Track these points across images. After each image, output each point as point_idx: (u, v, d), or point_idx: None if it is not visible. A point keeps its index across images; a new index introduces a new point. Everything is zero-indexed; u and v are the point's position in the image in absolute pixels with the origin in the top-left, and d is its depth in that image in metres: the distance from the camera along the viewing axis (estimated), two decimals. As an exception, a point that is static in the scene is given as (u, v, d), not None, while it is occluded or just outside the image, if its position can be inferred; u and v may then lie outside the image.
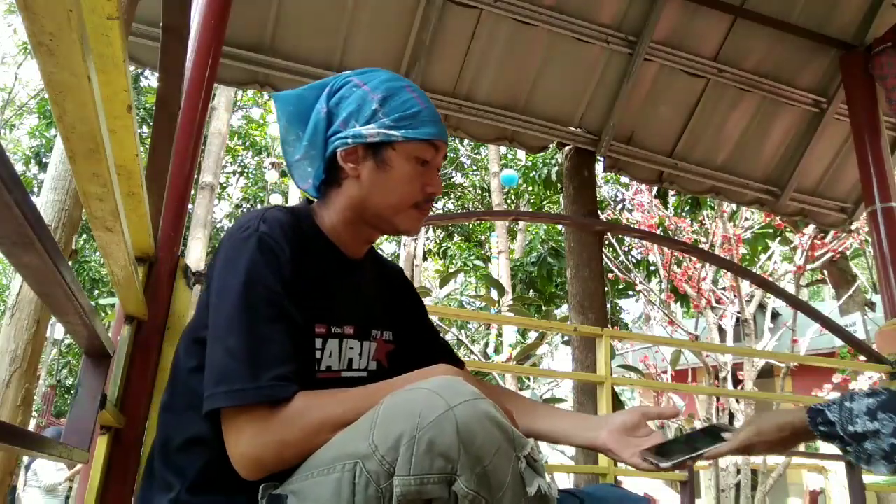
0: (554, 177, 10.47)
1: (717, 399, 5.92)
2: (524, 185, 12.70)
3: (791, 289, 6.21)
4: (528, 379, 9.40)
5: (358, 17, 3.01)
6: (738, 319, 6.27)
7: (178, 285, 1.50)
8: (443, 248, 14.20)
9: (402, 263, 12.83)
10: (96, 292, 14.70)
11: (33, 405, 3.17)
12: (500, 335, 10.29)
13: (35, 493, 7.03)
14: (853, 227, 5.10)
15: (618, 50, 3.31)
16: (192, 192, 1.90)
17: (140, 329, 1.42)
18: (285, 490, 0.83)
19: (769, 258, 7.14)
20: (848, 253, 8.60)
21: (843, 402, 1.01)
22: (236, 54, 2.89)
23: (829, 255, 6.68)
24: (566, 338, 7.49)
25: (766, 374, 8.45)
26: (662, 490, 6.95)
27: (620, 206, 10.84)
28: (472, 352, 7.53)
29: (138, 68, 3.15)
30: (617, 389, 8.16)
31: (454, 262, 13.16)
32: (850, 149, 3.45)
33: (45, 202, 2.90)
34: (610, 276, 7.67)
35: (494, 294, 6.64)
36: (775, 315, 7.97)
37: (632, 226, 7.75)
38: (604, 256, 5.15)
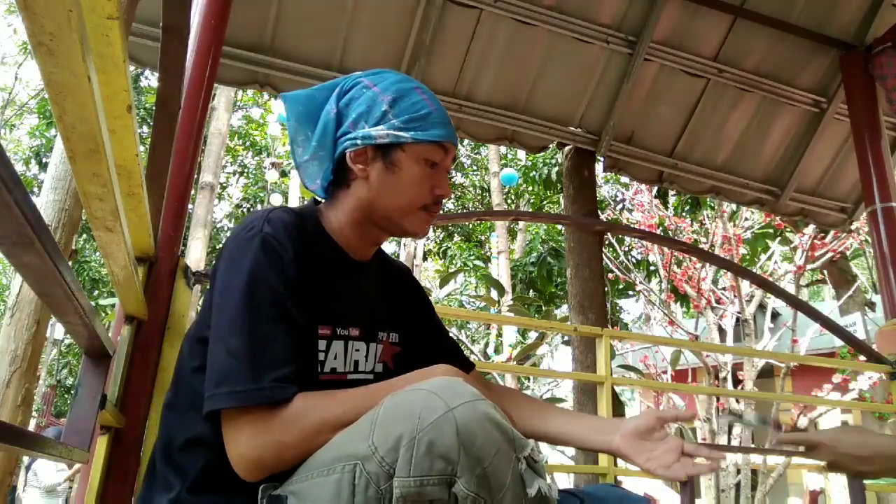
0: (554, 177, 10.47)
1: (717, 399, 5.92)
2: (524, 185, 12.70)
3: (791, 289, 6.21)
4: (528, 379, 9.40)
5: (358, 17, 3.01)
6: (738, 319, 6.27)
7: (178, 285, 1.50)
8: (443, 248, 14.20)
9: (402, 263, 12.82)
10: (96, 292, 14.70)
11: (33, 405, 3.17)
12: (500, 335, 10.29)
13: (35, 493, 7.03)
14: (853, 227, 5.10)
15: (618, 50, 3.31)
16: (192, 192, 1.90)
17: (140, 329, 1.42)
18: (285, 490, 0.83)
19: (769, 258, 7.14)
20: (848, 253, 8.60)
21: None
22: (236, 54, 2.89)
23: (829, 255, 6.68)
24: (566, 338, 7.49)
25: (766, 374, 8.45)
26: (662, 490, 6.95)
27: (620, 206, 10.84)
28: (472, 352, 7.53)
29: (138, 68, 3.15)
30: (617, 389, 8.16)
31: (454, 262, 13.16)
32: (850, 149, 3.45)
33: (45, 202, 2.90)
34: (610, 276, 7.67)
35: (494, 294, 6.64)
36: (775, 315, 7.97)
37: (632, 226, 7.75)
38: (604, 256, 5.15)
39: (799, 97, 3.53)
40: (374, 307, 1.09)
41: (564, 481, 6.36)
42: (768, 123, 3.61)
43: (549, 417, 1.13)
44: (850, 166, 3.61)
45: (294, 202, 11.93)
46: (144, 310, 1.41)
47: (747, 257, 7.20)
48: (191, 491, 0.91)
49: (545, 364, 8.08)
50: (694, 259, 6.58)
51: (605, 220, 8.53)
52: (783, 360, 6.55)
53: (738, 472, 5.54)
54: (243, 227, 0.95)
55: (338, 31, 3.02)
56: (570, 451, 6.51)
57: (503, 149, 11.82)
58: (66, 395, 16.17)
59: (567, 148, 3.67)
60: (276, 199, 14.69)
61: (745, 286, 6.09)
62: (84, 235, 13.55)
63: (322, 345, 0.98)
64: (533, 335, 7.48)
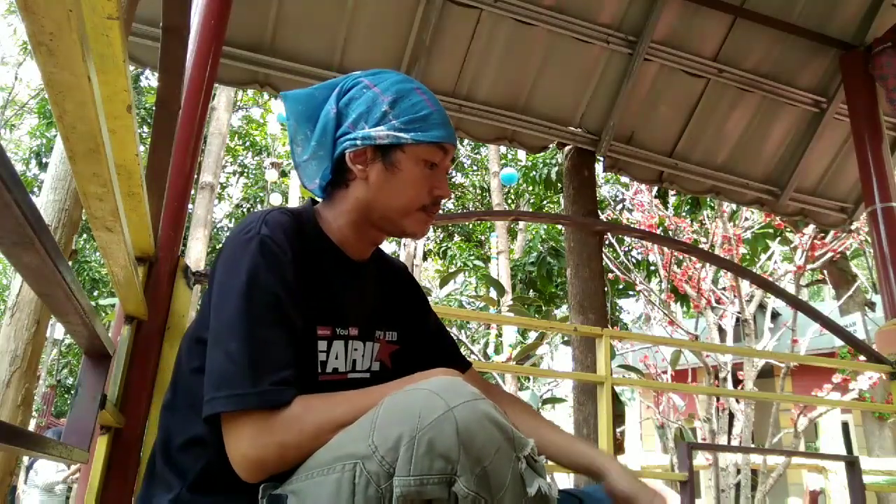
0: (554, 177, 10.48)
1: (717, 399, 5.92)
2: (524, 185, 12.71)
3: (791, 289, 6.21)
4: (528, 379, 9.40)
5: (358, 17, 3.01)
6: (738, 319, 6.26)
7: (178, 285, 1.50)
8: (443, 248, 14.21)
9: (402, 263, 12.82)
10: (96, 292, 14.71)
11: (33, 405, 3.17)
12: (500, 335, 10.29)
13: (35, 492, 7.03)
14: (853, 227, 5.10)
15: (618, 50, 3.31)
16: (192, 192, 1.90)
17: (140, 329, 1.42)
18: (285, 490, 0.83)
19: (769, 258, 7.13)
20: (848, 253, 8.60)
21: None
22: (236, 54, 2.89)
23: (829, 255, 6.68)
24: (566, 338, 7.49)
25: (766, 374, 8.45)
26: (662, 490, 6.94)
27: (620, 206, 10.85)
28: (472, 352, 7.53)
29: (138, 68, 3.16)
30: (617, 389, 8.16)
31: (454, 262, 13.16)
32: (850, 149, 3.45)
33: (45, 202, 2.90)
34: (610, 276, 7.67)
35: (494, 294, 6.64)
36: (775, 315, 7.97)
37: (632, 226, 7.75)
38: (604, 256, 5.15)
39: (799, 97, 3.53)
40: (373, 306, 1.09)
41: (564, 481, 6.35)
42: (768, 123, 3.61)
43: (537, 428, 1.12)
44: (850, 166, 3.61)
45: (294, 202, 11.94)
46: (144, 310, 1.41)
47: (747, 257, 7.19)
48: (191, 490, 0.91)
49: (545, 364, 8.08)
50: (694, 259, 6.58)
51: (605, 220, 8.53)
52: (783, 360, 6.55)
53: (738, 472, 5.54)
54: (241, 229, 0.95)
55: (338, 31, 3.02)
56: (570, 451, 6.50)
57: (503, 149, 11.83)
58: (66, 395, 16.17)
59: (567, 148, 3.67)
60: (275, 199, 14.69)
61: (745, 286, 6.08)
62: (84, 235, 13.55)
63: (322, 345, 0.98)
64: (533, 335, 7.48)
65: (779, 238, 7.13)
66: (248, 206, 16.48)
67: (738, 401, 5.66)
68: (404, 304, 1.17)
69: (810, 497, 6.94)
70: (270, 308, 0.89)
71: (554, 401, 7.45)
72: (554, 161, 10.54)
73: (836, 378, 6.37)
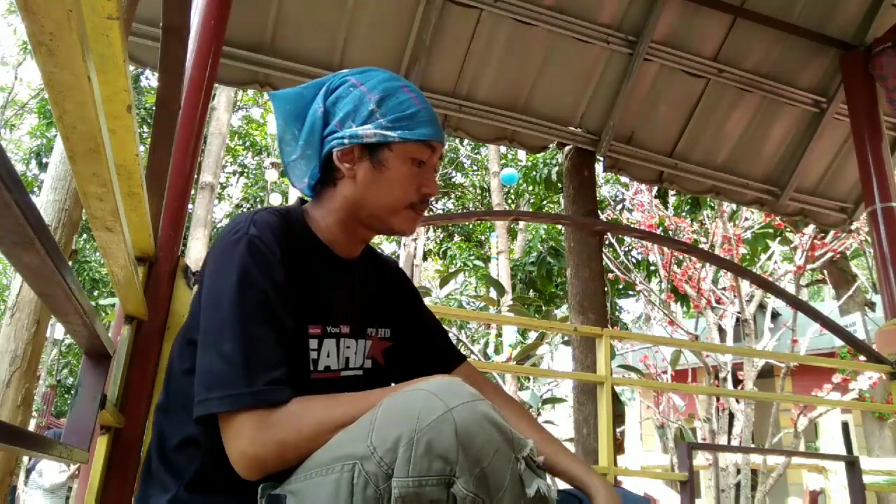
0: (554, 177, 10.48)
1: (717, 399, 5.92)
2: (524, 185, 12.71)
3: (791, 289, 6.20)
4: (528, 379, 9.40)
5: (358, 16, 3.01)
6: (738, 319, 6.26)
7: (178, 285, 1.50)
8: (443, 248, 14.21)
9: (402, 263, 12.83)
10: (96, 292, 14.71)
11: (33, 405, 3.17)
12: (500, 335, 10.29)
13: (37, 493, 7.04)
14: (853, 227, 5.10)
15: (618, 50, 3.31)
16: (192, 192, 1.90)
17: (140, 329, 1.42)
18: (284, 490, 0.83)
19: (769, 258, 7.13)
20: (848, 253, 8.60)
21: None
22: (236, 54, 2.89)
23: (829, 255, 6.68)
24: (566, 338, 7.49)
25: (766, 374, 8.45)
26: (662, 490, 6.95)
27: (620, 206, 10.85)
28: (472, 352, 7.53)
29: (138, 68, 3.16)
30: (617, 389, 8.16)
31: (454, 262, 13.16)
32: (850, 149, 3.45)
33: (45, 202, 2.90)
34: (610, 276, 7.67)
35: (494, 294, 6.64)
36: (775, 315, 7.97)
37: (632, 226, 7.75)
38: (604, 256, 5.15)
39: (799, 97, 3.53)
40: (365, 304, 1.09)
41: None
42: (768, 123, 3.61)
43: (528, 433, 1.10)
44: (850, 166, 3.61)
45: (294, 202, 11.91)
46: (144, 310, 1.41)
47: (747, 257, 7.19)
48: (188, 490, 0.92)
49: (545, 364, 8.08)
50: (694, 259, 6.58)
51: (605, 220, 8.53)
52: (783, 360, 6.55)
53: (738, 472, 5.54)
54: (229, 230, 0.95)
55: (338, 31, 3.02)
56: (571, 450, 6.49)
57: (503, 148, 11.83)
58: (66, 395, 16.18)
59: (567, 148, 3.67)
60: (275, 199, 14.69)
61: (745, 286, 6.08)
62: (84, 235, 13.55)
63: (314, 343, 0.98)
64: (533, 335, 7.48)
65: (779, 238, 7.13)
66: (248, 206, 16.48)
67: (738, 401, 5.65)
68: (396, 300, 1.17)
69: (810, 497, 6.94)
70: (261, 307, 0.89)
71: (554, 401, 7.45)
72: (554, 161, 10.54)
73: (836, 378, 6.37)
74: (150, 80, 13.77)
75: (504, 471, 0.73)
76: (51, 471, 6.96)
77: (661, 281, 7.41)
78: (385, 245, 16.11)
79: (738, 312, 6.07)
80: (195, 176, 1.74)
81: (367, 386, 1.03)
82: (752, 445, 6.23)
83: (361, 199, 1.02)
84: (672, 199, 8.33)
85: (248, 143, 16.54)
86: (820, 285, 11.76)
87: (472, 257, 13.18)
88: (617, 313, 11.77)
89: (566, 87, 3.39)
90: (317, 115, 1.02)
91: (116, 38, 0.68)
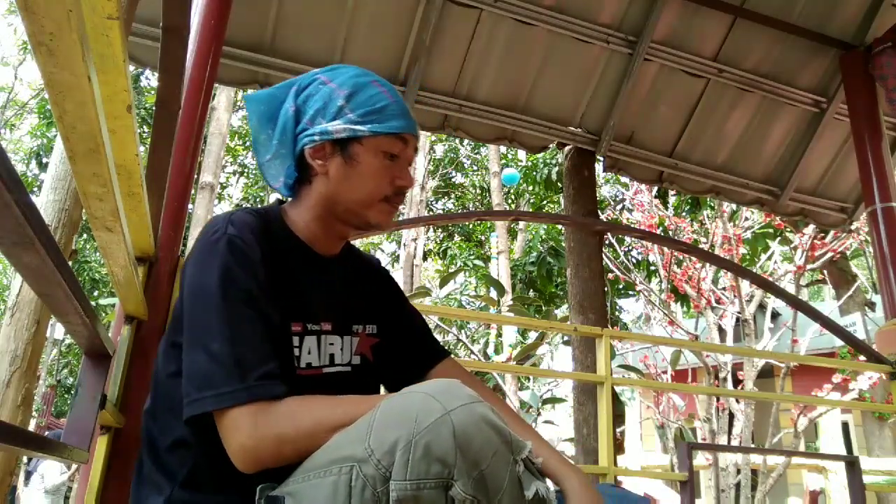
0: (554, 177, 10.48)
1: (717, 399, 5.92)
2: (524, 185, 12.71)
3: (791, 289, 6.20)
4: (528, 379, 9.40)
5: (358, 16, 3.01)
6: (738, 319, 6.26)
7: (178, 285, 1.50)
8: (443, 248, 14.21)
9: (402, 263, 12.85)
10: (96, 292, 14.70)
11: (33, 405, 3.17)
12: (500, 335, 10.29)
13: (37, 493, 7.04)
14: (853, 227, 5.10)
15: (618, 50, 3.31)
16: (192, 192, 1.90)
17: (140, 329, 1.42)
18: (282, 491, 0.83)
19: (769, 258, 7.14)
20: (848, 253, 8.60)
21: None
22: (236, 54, 2.89)
23: (829, 255, 6.68)
24: (566, 338, 7.49)
25: (766, 374, 8.45)
26: (662, 490, 6.94)
27: (620, 206, 10.84)
28: (472, 352, 7.53)
29: (138, 68, 3.16)
30: (617, 389, 8.16)
31: (454, 262, 13.16)
32: (850, 149, 3.45)
33: (45, 202, 2.90)
34: (610, 276, 7.67)
35: (494, 294, 6.64)
36: (775, 315, 7.97)
37: (632, 226, 7.75)
38: (604, 256, 5.15)
39: (799, 97, 3.53)
40: (347, 301, 1.09)
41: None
42: (768, 123, 3.61)
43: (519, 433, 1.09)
44: (850, 166, 3.61)
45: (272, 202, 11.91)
46: (144, 310, 1.41)
47: (747, 257, 7.19)
48: (182, 489, 0.92)
49: (545, 364, 8.08)
50: (694, 259, 6.58)
51: (605, 220, 8.53)
52: (783, 360, 6.55)
53: (738, 472, 5.54)
54: (207, 231, 0.96)
55: (338, 32, 3.02)
56: (570, 451, 6.50)
57: (503, 149, 11.83)
58: (66, 395, 16.17)
59: (567, 148, 3.67)
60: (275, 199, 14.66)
61: (745, 286, 6.08)
62: (84, 235, 13.55)
63: (295, 341, 0.98)
64: (533, 335, 7.48)
65: (779, 238, 7.13)
66: (248, 206, 16.46)
67: (738, 401, 5.65)
68: (380, 297, 1.18)
69: (810, 497, 6.94)
70: (246, 304, 0.89)
71: (554, 401, 7.45)
72: (554, 161, 10.54)
73: (836, 378, 6.37)
74: (150, 80, 13.77)
75: (503, 473, 0.73)
76: (52, 472, 6.97)
77: (661, 281, 7.41)
78: (385, 245, 16.12)
79: (738, 312, 6.07)
80: (195, 176, 1.74)
81: (357, 382, 1.04)
82: (752, 445, 6.24)
83: (335, 194, 1.02)
84: (672, 199, 8.33)
85: (248, 143, 16.53)
86: (820, 285, 11.76)
87: (472, 257, 13.18)
88: (617, 313, 11.77)
89: (566, 87, 3.39)
90: (288, 115, 1.03)
91: (116, 38, 0.68)
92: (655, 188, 7.48)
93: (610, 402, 2.18)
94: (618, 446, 9.40)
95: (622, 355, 8.47)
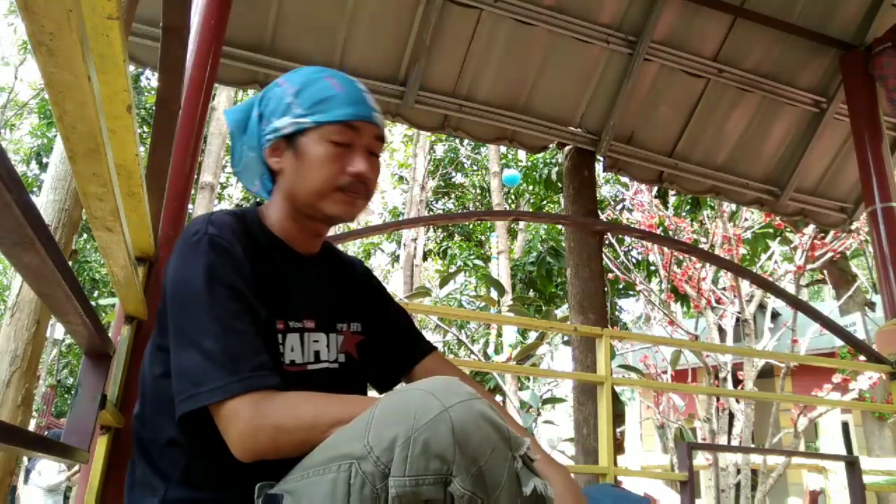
0: (554, 177, 10.48)
1: (717, 399, 5.91)
2: (524, 185, 12.71)
3: (791, 289, 6.20)
4: (528, 379, 9.40)
5: (358, 17, 3.01)
6: (738, 319, 6.26)
7: (178, 285, 1.49)
8: (443, 248, 14.21)
9: (402, 263, 12.85)
10: (96, 292, 14.71)
11: (33, 405, 3.17)
12: (500, 335, 10.29)
13: (36, 492, 7.04)
14: (853, 227, 5.10)
15: (618, 50, 3.31)
16: (193, 192, 1.90)
17: (140, 329, 1.42)
18: (281, 489, 0.83)
19: (769, 258, 7.14)
20: (848, 253, 8.60)
21: None
22: (236, 54, 2.89)
23: (829, 255, 6.67)
24: (566, 338, 7.49)
25: (766, 374, 8.44)
26: (662, 490, 6.95)
27: (620, 206, 10.83)
28: (472, 352, 7.53)
29: (138, 68, 3.16)
30: (617, 389, 8.16)
31: (454, 262, 13.16)
32: (850, 149, 3.45)
33: (45, 202, 2.90)
34: (610, 276, 7.67)
35: (494, 294, 6.64)
36: (775, 315, 7.96)
37: (632, 226, 7.75)
38: (604, 256, 5.15)
39: (799, 97, 3.53)
40: (331, 299, 1.10)
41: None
42: (768, 123, 3.61)
43: None
44: (850, 166, 3.61)
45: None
46: (144, 310, 1.41)
47: (747, 257, 7.19)
48: (177, 489, 0.93)
49: (545, 364, 8.08)
50: (694, 259, 6.58)
51: (605, 220, 8.53)
52: (783, 360, 6.55)
53: (738, 472, 5.54)
54: (187, 233, 0.97)
55: (338, 31, 3.02)
56: (570, 450, 6.50)
57: (503, 149, 11.82)
58: (66, 395, 16.17)
59: (567, 148, 3.67)
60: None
61: (745, 286, 6.08)
62: (84, 235, 13.55)
63: (278, 338, 0.99)
64: (533, 335, 7.48)
65: (779, 238, 7.13)
66: (248, 206, 16.45)
67: (738, 401, 5.65)
68: (363, 296, 1.19)
69: (810, 497, 6.94)
70: (233, 299, 0.90)
71: (554, 401, 7.44)
72: (554, 161, 10.54)
73: (836, 378, 6.37)
74: (150, 80, 13.76)
75: (501, 469, 0.73)
76: (49, 471, 6.97)
77: (661, 281, 7.41)
78: (385, 245, 16.11)
79: (738, 312, 6.07)
80: (195, 176, 1.74)
81: (343, 379, 1.05)
82: (752, 445, 6.23)
83: (293, 189, 1.03)
84: (672, 199, 8.33)
85: (248, 143, 16.50)
86: (820, 285, 11.76)
87: (472, 257, 13.18)
88: (617, 313, 11.77)
89: (566, 87, 3.39)
90: (254, 121, 1.06)
91: (116, 38, 0.68)
92: (655, 188, 7.49)
93: (610, 402, 2.19)
94: (618, 446, 9.40)
95: (622, 355, 8.47)
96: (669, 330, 6.82)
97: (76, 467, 6.28)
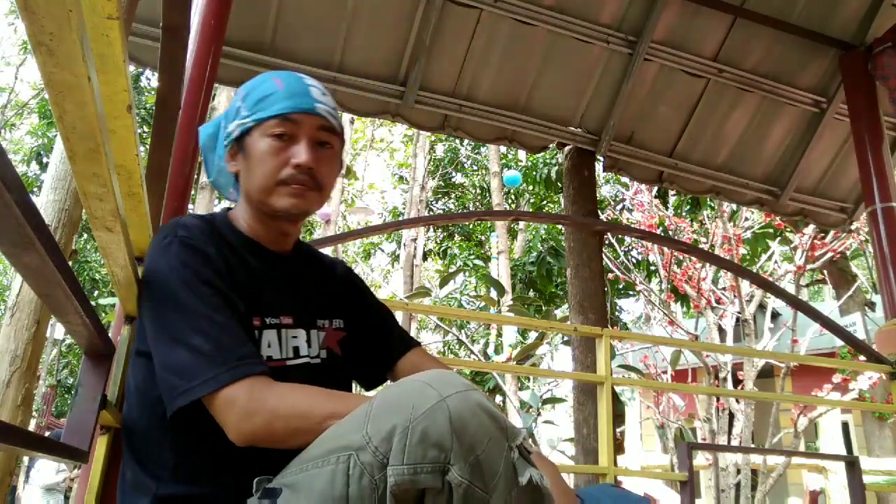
0: (554, 177, 10.48)
1: (717, 399, 5.91)
2: (524, 185, 12.70)
3: (791, 289, 6.20)
4: (528, 379, 9.40)
5: (358, 17, 3.01)
6: (738, 319, 6.26)
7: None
8: (443, 248, 14.21)
9: (402, 263, 12.85)
10: (96, 292, 14.71)
11: (33, 405, 3.17)
12: (500, 335, 10.29)
13: (36, 491, 7.05)
14: (853, 227, 5.10)
15: (618, 50, 3.31)
16: (193, 192, 1.90)
17: (140, 329, 1.42)
18: (279, 483, 0.83)
19: (769, 258, 7.14)
20: (848, 253, 8.60)
21: None
22: (236, 54, 2.89)
23: (829, 255, 6.67)
24: (566, 338, 7.49)
25: (766, 374, 8.44)
26: (662, 490, 6.94)
27: (620, 206, 10.83)
28: (472, 352, 7.53)
29: (138, 68, 3.16)
30: (617, 389, 8.16)
31: (454, 262, 13.16)
32: (850, 149, 3.45)
33: (45, 202, 2.90)
34: (610, 276, 7.66)
35: (494, 294, 6.64)
36: (775, 315, 7.96)
37: (632, 226, 7.75)
38: (604, 256, 5.15)
39: (799, 97, 3.53)
40: (309, 296, 1.11)
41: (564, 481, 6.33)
42: (768, 123, 3.61)
43: None
44: (850, 166, 3.61)
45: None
46: (144, 310, 1.40)
47: (747, 257, 7.19)
48: (169, 486, 0.93)
49: (545, 364, 8.08)
50: (694, 259, 6.58)
51: (605, 220, 8.53)
52: (783, 360, 6.54)
53: (738, 472, 5.54)
54: (159, 237, 0.99)
55: (338, 31, 3.02)
56: (570, 451, 6.50)
57: (503, 149, 11.82)
58: (66, 395, 16.18)
59: (567, 148, 3.67)
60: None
61: (745, 286, 6.08)
62: (84, 235, 13.55)
63: (255, 334, 1.00)
64: (533, 335, 7.48)
65: (779, 238, 7.13)
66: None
67: (738, 401, 5.65)
68: (344, 293, 1.20)
69: (810, 497, 6.94)
70: (211, 294, 0.92)
71: (554, 401, 7.45)
72: (554, 161, 10.54)
73: (836, 378, 6.37)
74: (151, 80, 13.76)
75: (498, 458, 0.74)
76: (47, 470, 6.97)
77: (661, 281, 7.41)
78: (385, 245, 16.11)
79: (738, 312, 6.07)
80: (195, 176, 1.74)
81: (325, 375, 1.05)
82: (752, 445, 6.23)
83: (247, 188, 1.06)
84: (672, 199, 8.32)
85: (248, 143, 16.50)
86: (820, 285, 11.76)
87: (472, 257, 13.18)
88: (617, 313, 11.77)
89: (566, 87, 3.39)
90: (221, 132, 1.10)
91: (116, 38, 0.68)
92: (655, 188, 7.48)
93: (610, 402, 2.19)
94: (618, 446, 9.40)
95: (622, 355, 8.47)
96: (669, 330, 6.82)
97: (75, 469, 6.28)
